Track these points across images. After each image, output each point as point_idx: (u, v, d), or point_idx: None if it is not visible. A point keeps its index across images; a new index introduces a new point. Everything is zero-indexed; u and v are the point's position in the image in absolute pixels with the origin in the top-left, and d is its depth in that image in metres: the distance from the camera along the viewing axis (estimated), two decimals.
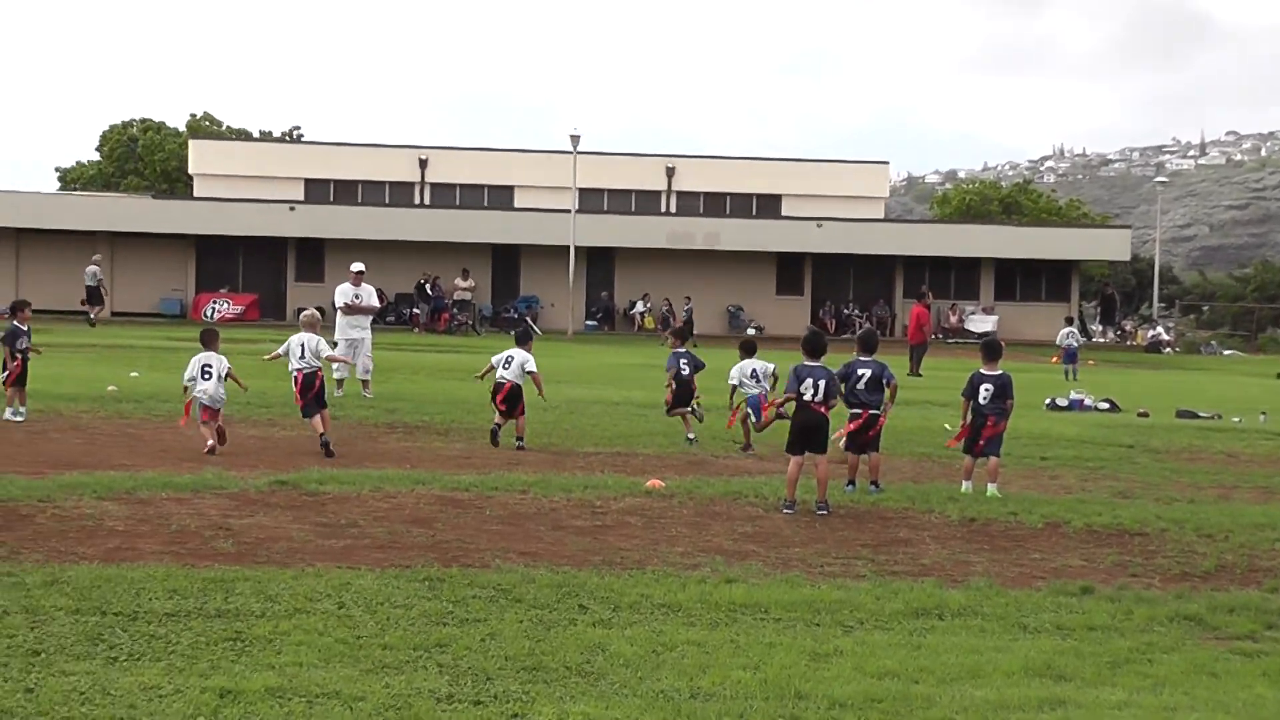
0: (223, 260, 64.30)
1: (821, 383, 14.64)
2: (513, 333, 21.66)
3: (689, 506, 14.36)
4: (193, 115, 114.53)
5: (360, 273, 26.41)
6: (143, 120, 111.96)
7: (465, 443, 19.52)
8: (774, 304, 65.34)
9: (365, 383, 25.76)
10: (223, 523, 12.38)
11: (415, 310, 61.48)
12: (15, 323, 21.04)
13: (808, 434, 14.63)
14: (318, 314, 20.25)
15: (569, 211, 60.97)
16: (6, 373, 20.49)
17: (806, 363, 14.80)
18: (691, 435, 20.39)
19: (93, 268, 56.41)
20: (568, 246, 60.24)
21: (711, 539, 12.68)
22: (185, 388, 18.47)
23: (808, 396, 14.61)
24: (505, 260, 64.92)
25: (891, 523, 13.95)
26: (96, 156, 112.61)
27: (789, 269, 65.72)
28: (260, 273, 64.54)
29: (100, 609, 8.89)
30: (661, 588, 10.35)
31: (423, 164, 72.90)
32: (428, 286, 60.92)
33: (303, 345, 18.91)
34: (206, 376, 18.15)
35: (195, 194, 73.52)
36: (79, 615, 8.72)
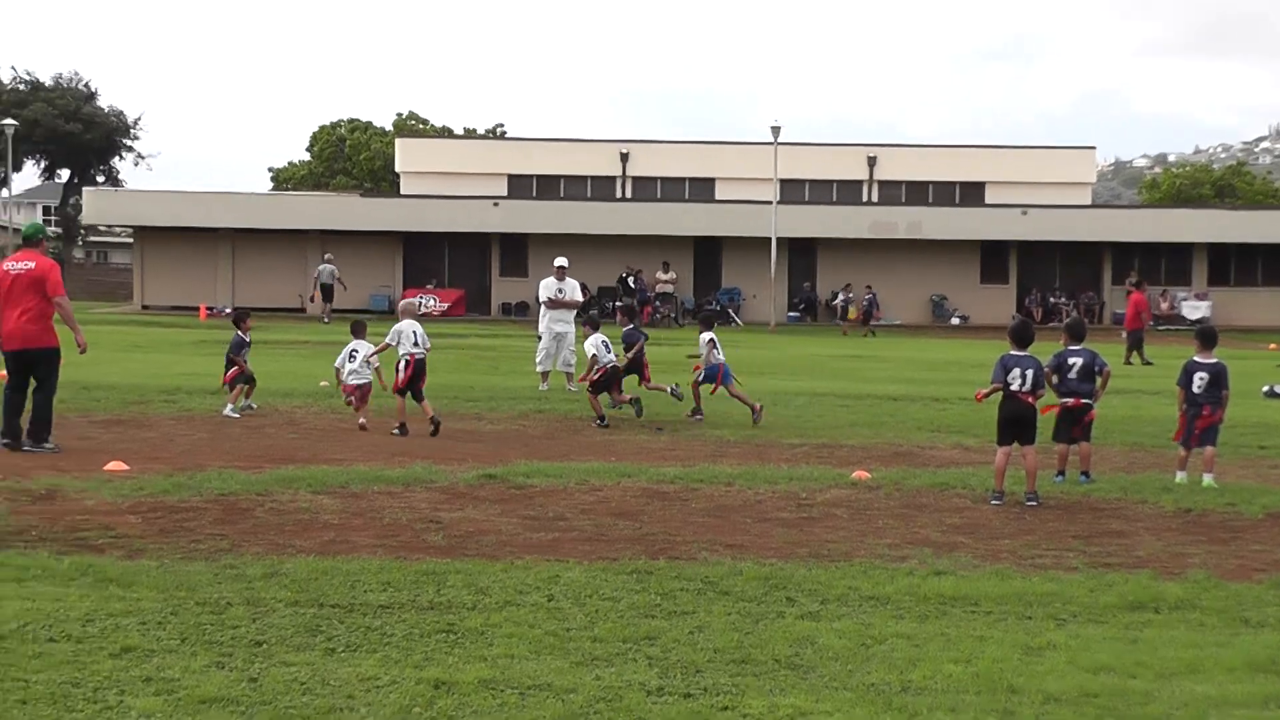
0: (429, 256, 65.30)
1: (1029, 372, 14.41)
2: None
3: (895, 498, 14.24)
4: (399, 115, 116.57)
5: (563, 267, 26.63)
6: (351, 121, 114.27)
7: (669, 435, 19.58)
8: (978, 293, 64.47)
9: (569, 376, 25.97)
10: (433, 516, 12.57)
11: (618, 304, 61.87)
12: (240, 333, 21.63)
13: (1015, 424, 14.42)
14: (416, 302, 21.49)
15: (770, 203, 60.81)
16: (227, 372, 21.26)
17: (1014, 352, 14.58)
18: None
19: (327, 266, 57.84)
20: (769, 238, 60.09)
21: (919, 530, 12.55)
22: (336, 370, 20.49)
23: (1015, 386, 14.39)
24: (707, 252, 64.99)
25: (1103, 514, 13.67)
26: (307, 157, 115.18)
27: (993, 257, 64.79)
28: (465, 268, 65.46)
29: (318, 601, 9.09)
30: (869, 580, 10.28)
31: (624, 158, 73.27)
32: (630, 280, 61.21)
33: (414, 332, 19.81)
34: (353, 360, 20.11)
35: (402, 191, 74.74)
36: (298, 607, 8.92)
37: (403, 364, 19.67)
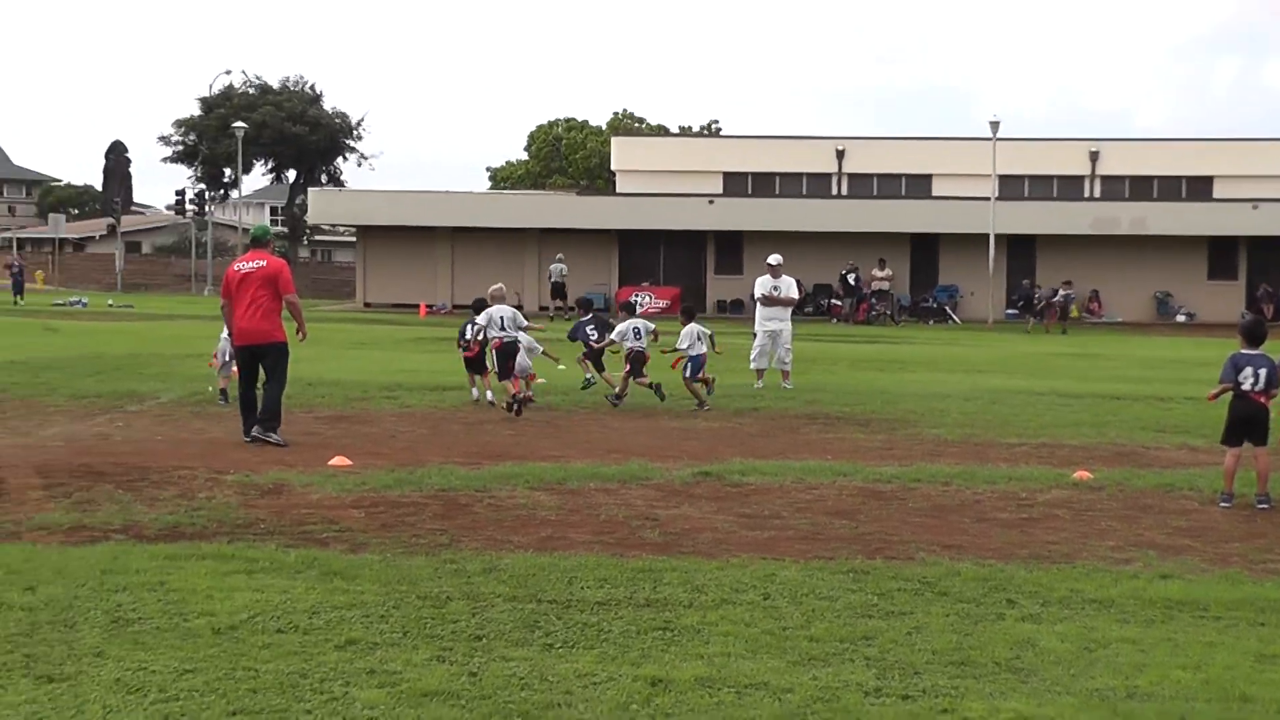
0: (644, 254, 65.69)
1: (1262, 371, 13.97)
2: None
3: (1119, 499, 13.93)
4: (614, 113, 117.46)
5: (778, 265, 26.56)
6: (567, 120, 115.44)
7: (886, 434, 19.41)
8: (1205, 290, 62.85)
9: (785, 373, 25.89)
10: (649, 513, 12.62)
11: (835, 301, 61.49)
12: (477, 319, 22.31)
13: (1246, 425, 13.99)
14: (504, 287, 22.86)
15: (988, 199, 59.95)
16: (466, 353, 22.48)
17: (1245, 350, 14.15)
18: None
19: (559, 265, 58.74)
20: (987, 234, 59.25)
21: (1143, 533, 12.25)
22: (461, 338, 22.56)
23: (1246, 386, 13.96)
24: (924, 249, 64.35)
25: None
26: (524, 156, 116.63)
27: (1222, 253, 63.08)
28: (681, 266, 65.69)
29: (535, 596, 9.18)
30: (1092, 583, 10.06)
31: (840, 155, 72.83)
32: (850, 277, 60.84)
33: (502, 318, 21.41)
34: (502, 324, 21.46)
35: (617, 190, 75.26)
36: (516, 602, 9.02)
37: (491, 348, 21.37)
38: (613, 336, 23.12)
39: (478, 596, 9.12)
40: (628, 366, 22.90)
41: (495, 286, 22.58)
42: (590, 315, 24.04)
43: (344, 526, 11.55)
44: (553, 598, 9.16)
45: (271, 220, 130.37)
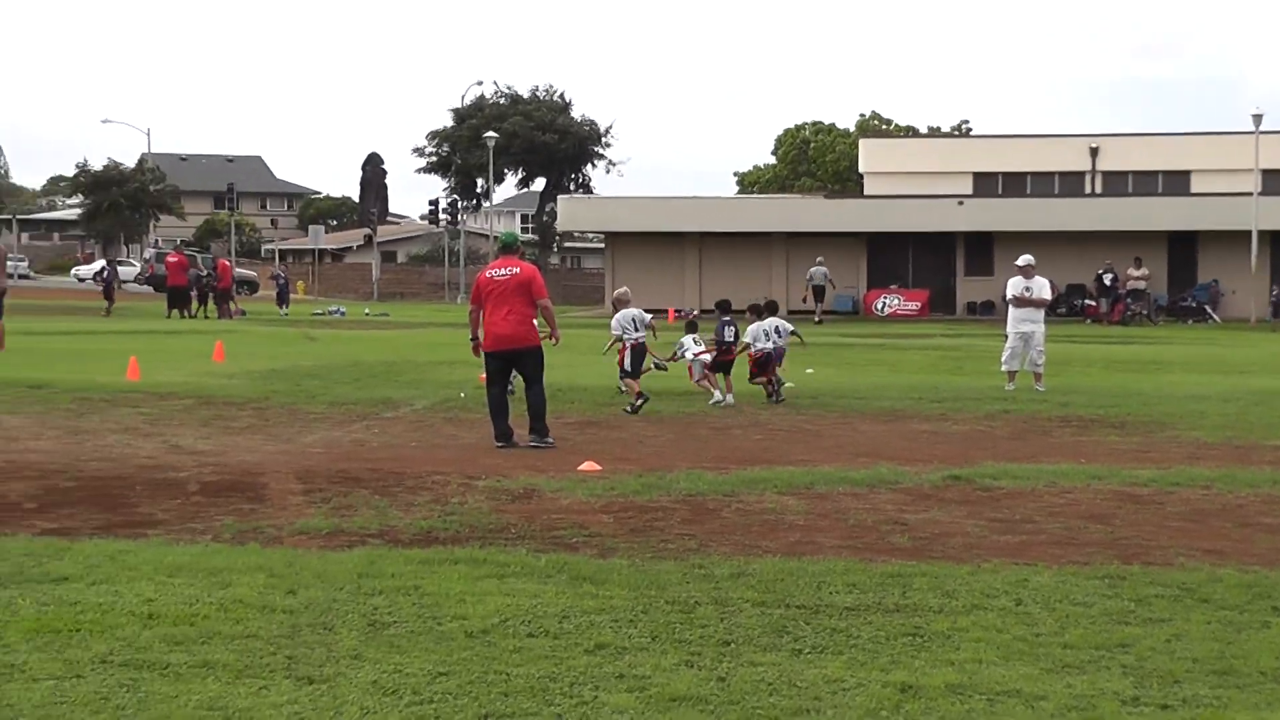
0: (893, 256, 65.17)
1: None
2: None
3: None
4: (862, 115, 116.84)
5: (1030, 265, 26.09)
6: (814, 123, 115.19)
7: (1142, 436, 18.94)
8: None
9: (1037, 376, 25.44)
10: (898, 517, 12.49)
11: (1089, 301, 60.21)
12: (726, 319, 23.23)
13: None
14: (629, 290, 24.78)
15: (1250, 195, 58.09)
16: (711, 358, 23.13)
17: None
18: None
19: (819, 268, 58.78)
20: (1249, 231, 57.42)
21: None
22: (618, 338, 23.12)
23: None
24: (1181, 247, 62.64)
25: None
26: (772, 160, 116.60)
27: None
28: (930, 268, 65.02)
29: (784, 601, 9.15)
30: None
31: (1094, 152, 71.32)
32: (1105, 277, 59.50)
33: (633, 320, 22.90)
34: (635, 326, 22.94)
35: (865, 192, 74.79)
36: (764, 607, 8.99)
37: (626, 349, 22.69)
38: (745, 339, 23.57)
39: (726, 601, 9.12)
40: (754, 368, 23.51)
41: (621, 290, 24.28)
42: (730, 317, 23.79)
43: (593, 531, 11.66)
44: (801, 603, 9.12)
45: (521, 228, 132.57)
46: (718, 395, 22.61)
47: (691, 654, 7.92)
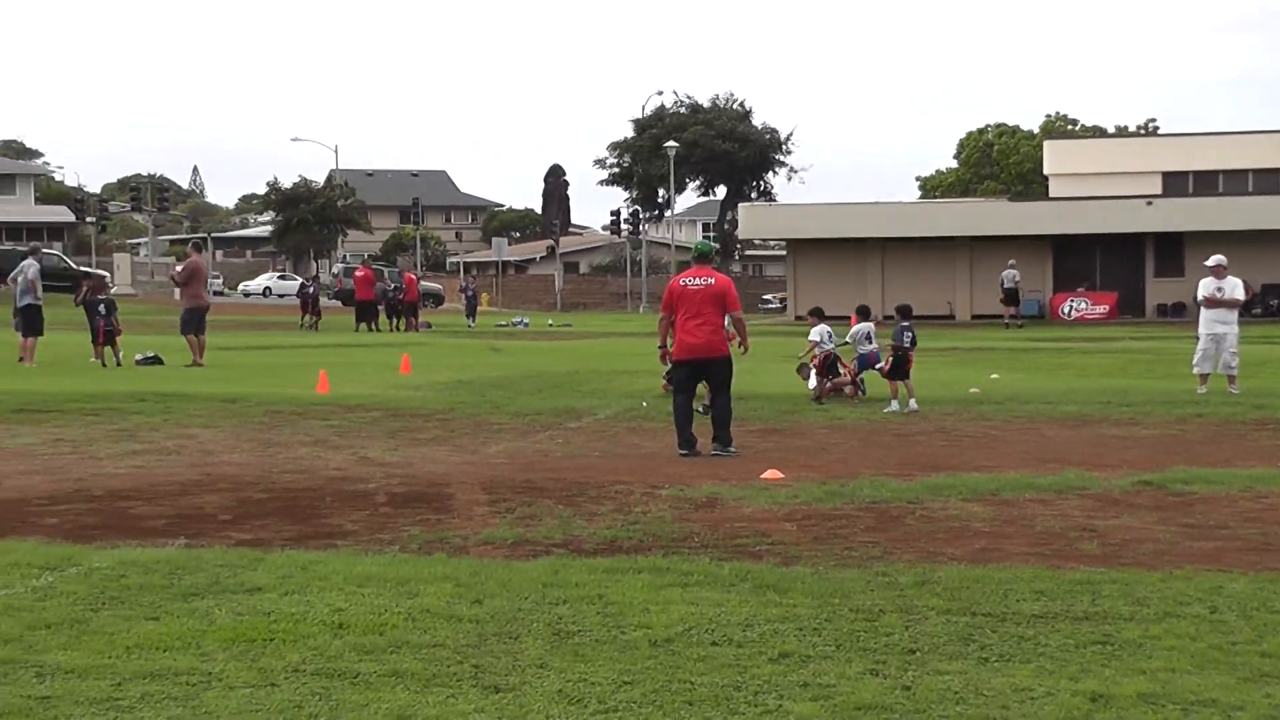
0: (1080, 259, 64.12)
1: None
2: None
3: None
4: (1047, 116, 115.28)
5: (1221, 265, 25.49)
6: (998, 125, 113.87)
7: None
8: None
9: (1231, 378, 24.85)
10: (1087, 524, 12.28)
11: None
12: (905, 324, 23.18)
13: None
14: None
15: None
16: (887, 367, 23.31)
17: None
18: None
19: (1011, 271, 58.20)
20: None
21: None
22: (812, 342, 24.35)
23: None
24: None
25: None
26: (954, 164, 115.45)
27: None
28: (1118, 270, 63.86)
29: (969, 609, 9.04)
30: None
31: None
32: None
33: (828, 333, 24.08)
34: (829, 338, 24.18)
35: (1051, 194, 73.69)
36: (949, 615, 8.90)
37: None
38: (847, 339, 24.65)
39: (911, 609, 9.05)
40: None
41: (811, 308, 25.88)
42: (909, 322, 23.62)
43: (777, 539, 11.63)
44: (988, 610, 9.01)
45: (702, 237, 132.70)
46: (894, 404, 22.42)
47: (876, 662, 7.87)
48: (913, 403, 22.38)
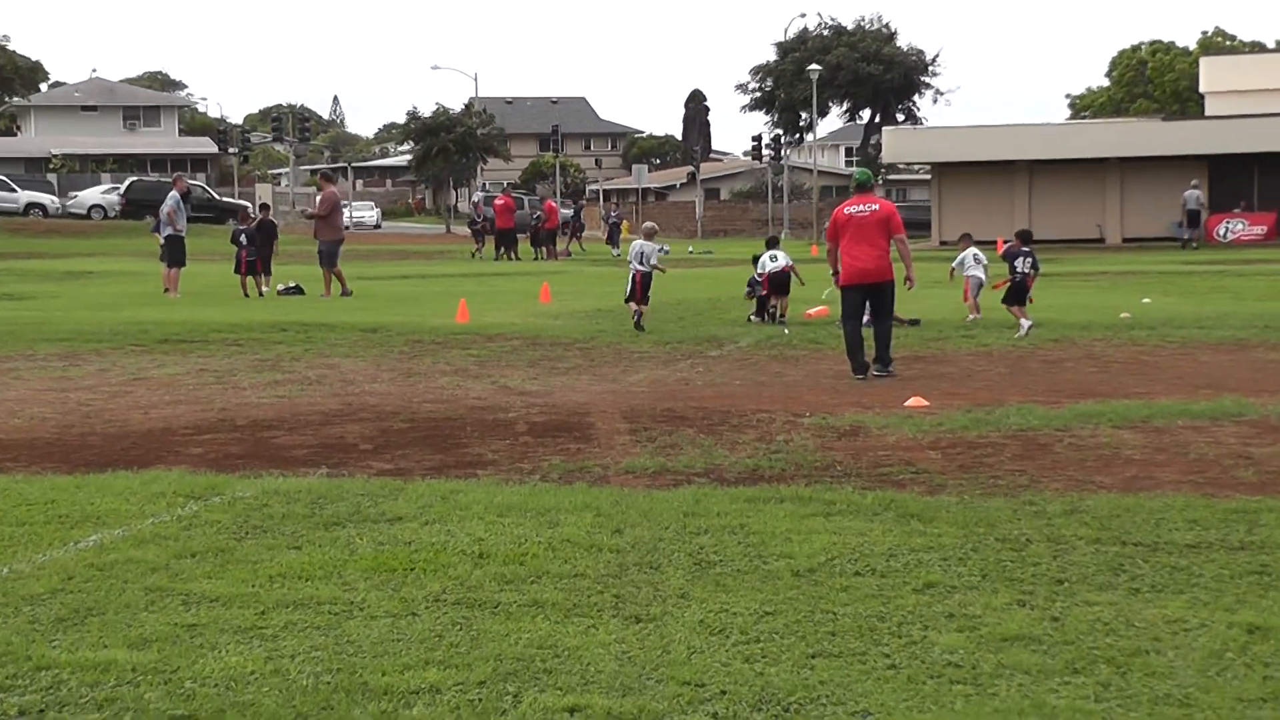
0: (1237, 179, 62.65)
1: None
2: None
3: None
4: (1204, 33, 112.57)
5: None
6: (1151, 42, 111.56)
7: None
8: None
9: None
10: (1243, 451, 12.04)
11: None
12: (1025, 249, 23.62)
13: None
14: (655, 225, 26.96)
15: None
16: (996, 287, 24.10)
17: None
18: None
19: (1194, 192, 57.33)
20: None
21: None
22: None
23: None
24: None
25: None
26: (1106, 82, 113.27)
27: None
28: (1277, 190, 62.32)
29: (1120, 539, 8.91)
30: None
31: None
32: None
33: (642, 253, 24.88)
34: (977, 262, 25.19)
35: (1206, 113, 72.05)
36: (1099, 545, 8.78)
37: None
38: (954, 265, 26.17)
39: (1059, 539, 8.94)
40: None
41: (648, 224, 26.60)
42: (1029, 248, 24.08)
43: (921, 468, 11.55)
44: (1139, 540, 8.88)
45: (846, 161, 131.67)
46: (1025, 324, 22.33)
47: (1023, 593, 7.79)
48: (1025, 324, 22.27)
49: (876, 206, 18.21)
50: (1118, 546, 8.73)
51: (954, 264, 25.78)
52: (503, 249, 56.40)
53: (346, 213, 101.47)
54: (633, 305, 24.34)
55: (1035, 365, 19.08)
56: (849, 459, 12.01)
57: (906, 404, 15.16)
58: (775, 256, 25.92)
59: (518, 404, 15.74)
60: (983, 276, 25.15)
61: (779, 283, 25.67)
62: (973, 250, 25.49)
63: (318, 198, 34.99)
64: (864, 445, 12.76)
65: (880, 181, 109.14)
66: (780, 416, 14.46)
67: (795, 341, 21.77)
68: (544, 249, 58.41)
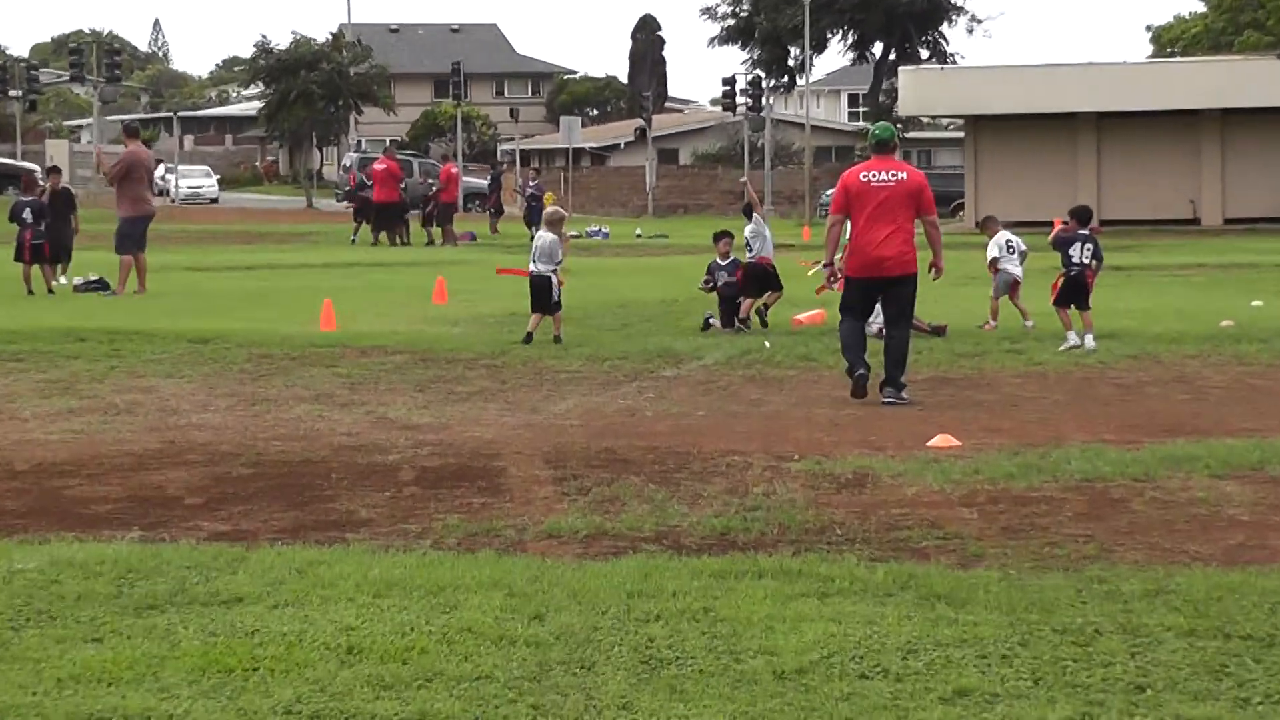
0: None
1: None
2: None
3: None
4: None
5: None
6: None
7: None
8: None
9: None
10: None
11: None
12: (1083, 233, 23.44)
13: None
14: (562, 210, 27.35)
15: None
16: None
17: None
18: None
19: None
20: None
21: None
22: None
23: None
24: None
25: None
26: (1201, 8, 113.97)
27: None
28: None
29: (1221, 630, 8.92)
30: None
31: None
32: None
33: (1007, 244, 25.44)
34: (1010, 251, 25.41)
35: None
36: (1193, 638, 8.78)
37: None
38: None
39: (1139, 630, 8.96)
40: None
41: (551, 209, 26.85)
42: (1089, 230, 24.12)
43: (950, 532, 11.57)
44: (1247, 632, 8.91)
45: (852, 113, 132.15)
46: (1072, 338, 22.36)
47: (1091, 704, 7.80)
48: (1089, 339, 22.24)
49: (904, 175, 18.22)
50: (1219, 641, 8.75)
51: (992, 256, 25.54)
52: (384, 230, 56.23)
53: (173, 181, 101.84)
54: (536, 318, 24.20)
55: (1105, 391, 19.15)
56: (852, 519, 12.01)
57: (930, 443, 15.19)
58: (757, 236, 25.96)
59: (402, 442, 15.69)
60: (1017, 272, 25.14)
61: (757, 276, 25.70)
62: (1005, 235, 25.53)
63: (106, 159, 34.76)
64: (873, 500, 12.77)
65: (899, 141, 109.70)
66: (759, 460, 14.46)
67: (779, 357, 21.78)
68: (441, 230, 58.33)
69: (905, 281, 18.17)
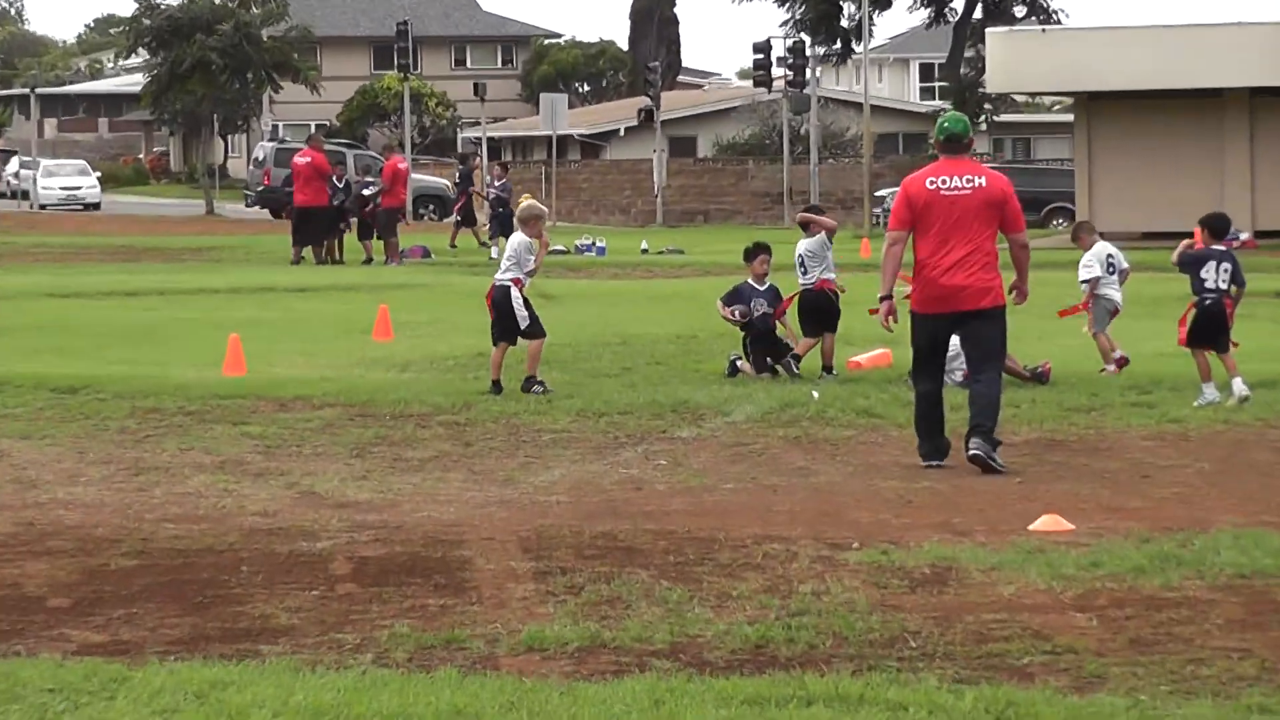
0: None
1: None
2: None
3: None
4: None
5: None
6: None
7: None
8: None
9: None
10: None
11: None
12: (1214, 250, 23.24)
13: None
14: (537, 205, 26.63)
15: None
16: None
17: None
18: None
19: None
20: None
21: None
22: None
23: None
24: None
25: None
26: None
27: None
28: None
29: None
30: None
31: None
32: None
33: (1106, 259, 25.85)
34: (1111, 271, 25.88)
35: None
36: None
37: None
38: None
39: None
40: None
41: (528, 204, 26.11)
42: (1226, 247, 23.75)
43: (1062, 645, 11.55)
44: None
45: (924, 89, 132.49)
46: (1209, 392, 22.19)
47: None
48: (1239, 385, 22.05)
49: (982, 181, 18.23)
50: None
51: (1090, 276, 25.21)
52: (308, 244, 56.06)
53: (32, 179, 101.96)
54: (499, 349, 24.34)
55: (1264, 458, 19.14)
56: (931, 627, 12.00)
57: (1034, 527, 15.18)
58: (812, 256, 25.83)
59: (334, 524, 15.72)
60: (1118, 298, 25.03)
61: (819, 307, 25.62)
62: (1105, 248, 25.40)
63: None
64: (958, 602, 12.78)
65: (986, 126, 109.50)
66: (806, 549, 14.47)
67: (831, 411, 21.78)
68: (384, 244, 58.12)
69: (989, 316, 18.22)
